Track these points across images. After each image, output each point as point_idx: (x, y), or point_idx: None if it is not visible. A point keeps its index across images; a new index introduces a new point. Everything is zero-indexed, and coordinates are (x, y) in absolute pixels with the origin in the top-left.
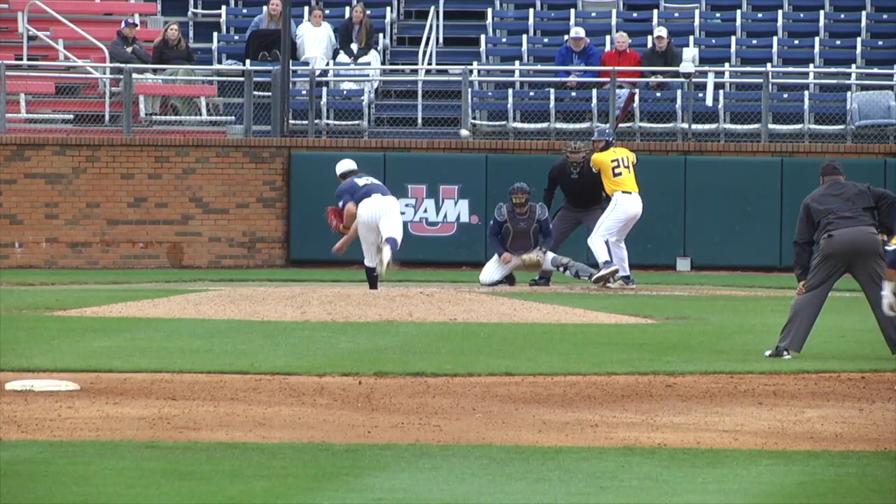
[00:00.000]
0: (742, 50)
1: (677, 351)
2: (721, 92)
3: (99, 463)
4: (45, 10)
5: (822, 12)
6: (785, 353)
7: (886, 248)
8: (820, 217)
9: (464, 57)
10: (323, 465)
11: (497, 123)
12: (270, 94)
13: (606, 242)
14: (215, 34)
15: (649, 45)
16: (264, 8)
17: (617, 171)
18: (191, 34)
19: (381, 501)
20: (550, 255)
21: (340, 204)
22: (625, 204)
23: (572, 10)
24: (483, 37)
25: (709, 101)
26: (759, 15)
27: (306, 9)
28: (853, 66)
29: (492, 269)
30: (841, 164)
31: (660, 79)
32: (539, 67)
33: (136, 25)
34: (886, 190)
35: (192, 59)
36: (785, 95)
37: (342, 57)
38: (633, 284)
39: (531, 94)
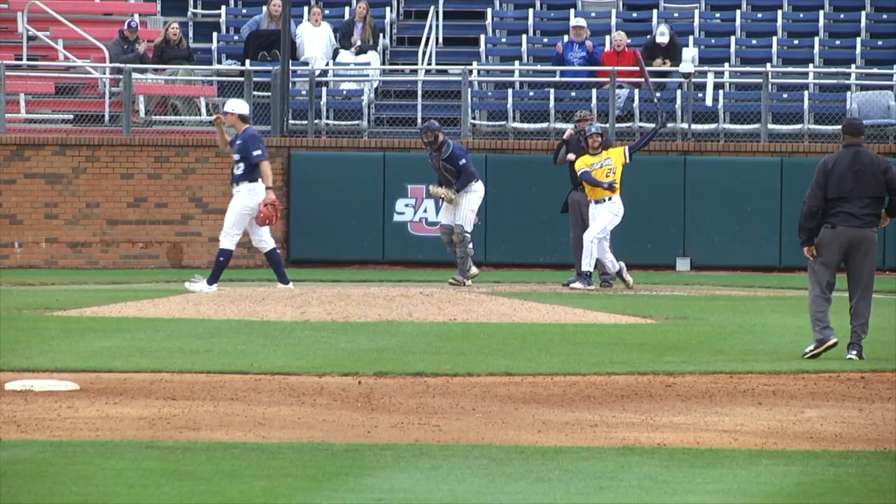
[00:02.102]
0: (742, 50)
1: (677, 351)
2: (721, 92)
3: (99, 463)
4: (44, 10)
5: (821, 12)
6: (830, 339)
7: None
8: (833, 194)
9: (464, 57)
10: (323, 465)
11: (497, 123)
12: (270, 94)
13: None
14: (215, 34)
15: (650, 38)
16: (264, 8)
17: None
18: (191, 34)
19: (380, 501)
20: (469, 244)
21: (258, 153)
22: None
23: (572, 10)
24: (483, 37)
25: (709, 101)
26: (759, 15)
27: (306, 9)
28: (853, 66)
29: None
30: (862, 123)
31: (662, 67)
32: (539, 67)
33: (138, 27)
34: None
35: (192, 59)
36: (785, 95)
37: (342, 56)
38: (591, 286)
39: (531, 94)
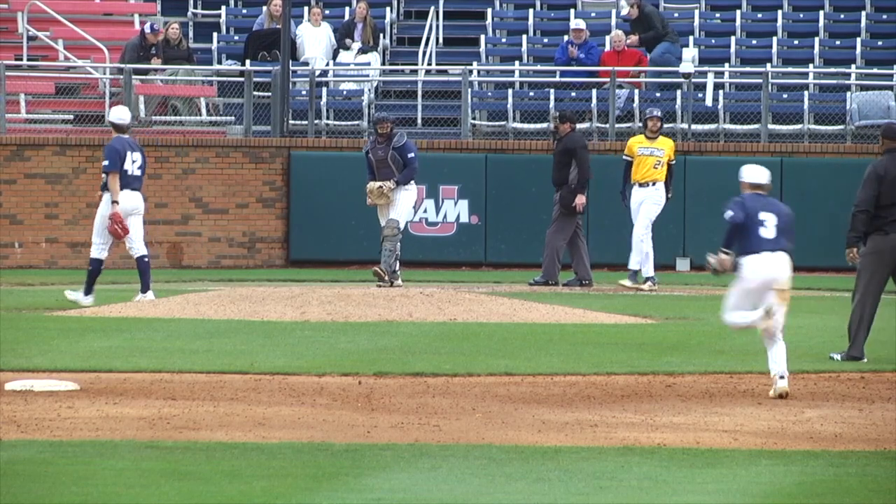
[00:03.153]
0: (742, 50)
1: (677, 351)
2: (721, 92)
3: (99, 463)
4: (45, 10)
5: (821, 12)
6: (863, 360)
7: None
8: (886, 201)
9: (464, 57)
10: (322, 465)
11: (497, 123)
12: (270, 94)
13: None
14: (215, 34)
15: (624, 13)
16: (264, 8)
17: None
18: (191, 34)
19: (380, 501)
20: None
21: (105, 164)
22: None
23: (572, 10)
24: (483, 37)
25: (708, 102)
26: (759, 15)
27: (306, 9)
28: (853, 66)
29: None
30: None
31: (641, 38)
32: (539, 67)
33: (159, 31)
34: None
35: (193, 59)
36: (785, 95)
37: (342, 57)
38: (641, 283)
39: (531, 94)
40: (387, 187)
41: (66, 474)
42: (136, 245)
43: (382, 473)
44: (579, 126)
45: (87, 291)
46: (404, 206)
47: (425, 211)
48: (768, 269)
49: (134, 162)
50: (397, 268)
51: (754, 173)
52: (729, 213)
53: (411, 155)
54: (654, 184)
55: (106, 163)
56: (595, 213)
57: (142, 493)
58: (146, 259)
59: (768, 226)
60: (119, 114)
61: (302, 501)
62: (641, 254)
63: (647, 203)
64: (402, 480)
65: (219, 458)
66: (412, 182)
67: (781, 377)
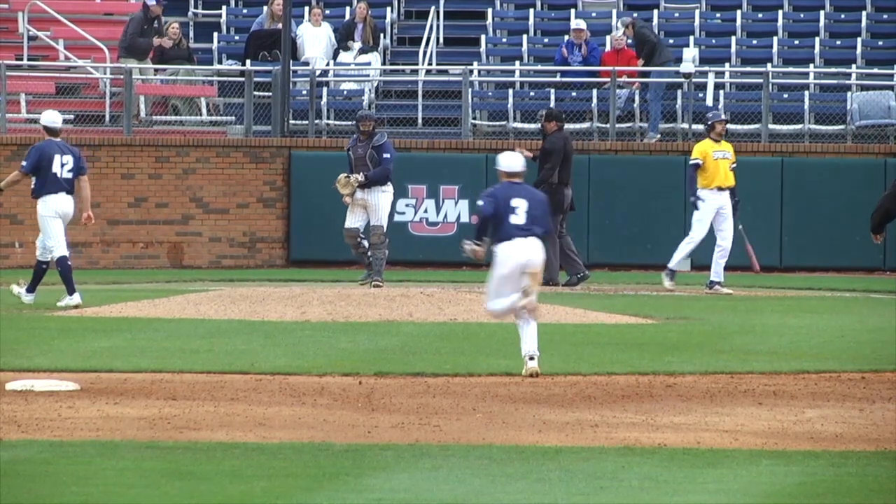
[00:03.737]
0: (742, 50)
1: (677, 351)
2: (721, 92)
3: (99, 463)
4: (45, 10)
5: (822, 12)
6: None
7: None
8: None
9: (464, 57)
10: (323, 465)
11: (497, 123)
12: (271, 94)
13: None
14: (215, 34)
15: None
16: (265, 8)
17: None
18: (191, 34)
19: (381, 501)
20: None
21: (24, 164)
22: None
23: (572, 11)
24: (483, 37)
25: (709, 101)
26: (759, 15)
27: (306, 9)
28: (853, 66)
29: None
30: None
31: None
32: (539, 67)
33: (163, 5)
34: None
35: (193, 59)
36: (785, 95)
37: (342, 57)
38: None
39: (531, 94)
40: (354, 178)
41: (67, 474)
42: (59, 246)
43: (383, 473)
44: (579, 126)
45: (70, 291)
46: (384, 209)
47: (426, 211)
48: (520, 253)
49: (64, 165)
50: (381, 266)
51: (510, 161)
52: (479, 204)
53: (387, 155)
54: (727, 189)
55: (24, 163)
56: (595, 214)
57: (142, 493)
58: (68, 262)
59: (519, 213)
60: (51, 117)
61: (302, 501)
62: (726, 257)
63: (729, 210)
64: (403, 480)
65: (219, 458)
66: (389, 184)
67: (531, 358)
